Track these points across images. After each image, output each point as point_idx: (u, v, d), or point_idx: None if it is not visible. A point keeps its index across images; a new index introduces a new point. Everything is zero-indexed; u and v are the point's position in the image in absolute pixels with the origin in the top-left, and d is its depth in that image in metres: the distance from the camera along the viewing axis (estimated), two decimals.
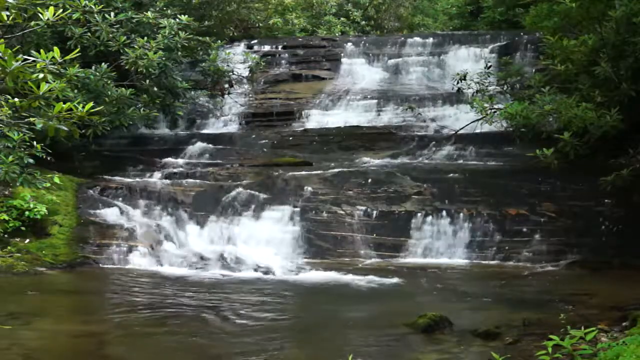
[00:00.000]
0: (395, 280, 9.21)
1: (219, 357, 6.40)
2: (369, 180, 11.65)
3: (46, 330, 7.07)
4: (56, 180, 10.49)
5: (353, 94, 16.50)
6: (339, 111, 16.03)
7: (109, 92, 11.57)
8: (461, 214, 10.70)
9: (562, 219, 10.49)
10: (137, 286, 9.07)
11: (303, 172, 12.26)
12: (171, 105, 13.60)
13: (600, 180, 9.90)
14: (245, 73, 16.22)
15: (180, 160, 13.76)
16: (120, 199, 11.31)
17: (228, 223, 10.98)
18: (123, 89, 11.75)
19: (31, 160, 7.97)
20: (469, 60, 16.34)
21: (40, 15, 5.64)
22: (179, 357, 6.40)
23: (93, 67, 11.52)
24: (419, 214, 10.80)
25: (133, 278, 9.44)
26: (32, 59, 5.01)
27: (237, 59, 16.12)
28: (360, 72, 17.58)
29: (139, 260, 10.12)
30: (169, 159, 13.76)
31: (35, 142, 7.57)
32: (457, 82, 13.28)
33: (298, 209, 11.02)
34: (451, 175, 11.81)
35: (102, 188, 11.53)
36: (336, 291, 8.87)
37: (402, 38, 18.98)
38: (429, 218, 10.73)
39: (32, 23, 6.45)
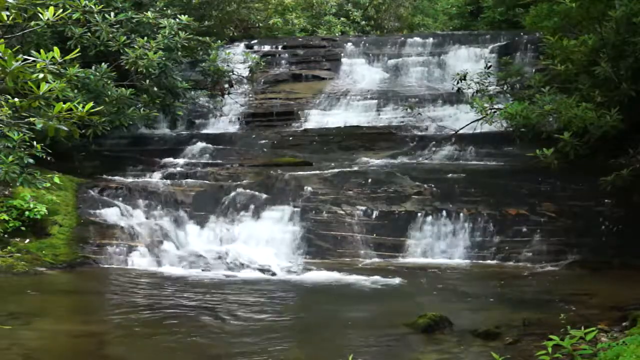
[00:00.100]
0: (395, 280, 9.21)
1: (219, 357, 6.40)
2: (369, 180, 11.65)
3: (46, 330, 7.07)
4: (56, 180, 10.49)
5: (353, 94, 16.51)
6: (339, 111, 16.04)
7: (109, 92, 11.57)
8: (461, 214, 10.71)
9: (562, 219, 10.49)
10: (137, 286, 9.07)
11: (303, 172, 12.26)
12: (171, 105, 13.60)
13: (600, 180, 9.90)
14: (245, 73, 16.23)
15: (180, 160, 13.76)
16: (120, 199, 11.31)
17: (228, 223, 10.98)
18: (123, 89, 11.75)
19: (31, 160, 7.96)
20: (469, 60, 16.34)
21: (40, 15, 5.64)
22: (179, 357, 6.40)
23: (93, 67, 11.52)
24: (419, 214, 10.80)
25: (133, 278, 9.44)
26: (32, 59, 5.01)
27: (237, 59, 16.13)
28: (360, 72, 17.58)
29: (139, 261, 10.13)
30: (169, 159, 13.76)
31: (35, 142, 7.57)
32: (457, 82, 13.28)
33: (298, 209, 11.02)
34: (451, 175, 11.81)
35: (102, 188, 11.52)
36: (336, 291, 8.87)
37: (402, 38, 18.98)
38: (429, 218, 10.73)
39: (32, 23, 6.44)
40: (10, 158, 7.56)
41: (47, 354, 6.36)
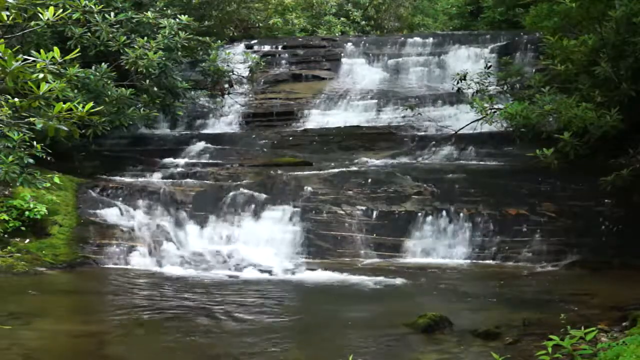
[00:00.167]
0: (395, 280, 9.21)
1: (219, 357, 6.39)
2: (369, 180, 11.65)
3: (46, 330, 7.07)
4: (56, 180, 10.49)
5: (353, 94, 16.51)
6: (339, 111, 16.04)
7: (109, 92, 11.56)
8: (461, 214, 10.71)
9: (562, 219, 10.49)
10: (137, 286, 9.07)
11: (303, 172, 12.27)
12: (171, 105, 13.60)
13: (600, 180, 9.90)
14: (245, 73, 16.23)
15: (180, 160, 13.75)
16: (120, 199, 11.31)
17: (228, 223, 10.98)
18: (123, 89, 11.75)
19: (31, 160, 7.96)
20: (469, 60, 16.35)
21: (40, 15, 5.64)
22: (179, 357, 6.40)
23: (93, 67, 11.52)
24: (419, 214, 10.81)
25: (133, 278, 9.44)
26: (32, 59, 5.01)
27: (237, 59, 16.12)
28: (360, 72, 17.58)
29: (139, 260, 10.12)
30: (169, 159, 13.75)
31: (35, 142, 7.56)
32: (457, 82, 13.28)
33: (298, 209, 11.02)
34: (451, 175, 11.81)
35: (102, 188, 11.52)
36: (336, 291, 8.87)
37: (402, 38, 18.99)
38: (429, 218, 10.73)
39: (32, 23, 6.44)
40: (10, 158, 7.56)
41: (47, 354, 6.36)
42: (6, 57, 4.61)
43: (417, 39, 18.35)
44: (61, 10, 5.56)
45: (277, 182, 11.81)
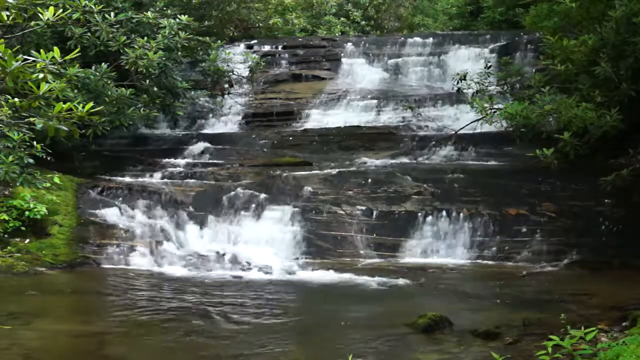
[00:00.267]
0: (395, 280, 9.21)
1: (219, 358, 6.40)
2: (369, 180, 11.65)
3: (46, 330, 7.07)
4: (56, 180, 10.49)
5: (353, 94, 16.51)
6: (339, 111, 16.03)
7: (109, 92, 11.56)
8: (461, 214, 10.71)
9: (562, 219, 10.49)
10: (137, 286, 9.07)
11: (303, 172, 12.27)
12: (171, 105, 13.60)
13: (600, 180, 9.90)
14: (245, 73, 16.22)
15: (180, 160, 13.75)
16: (120, 199, 11.31)
17: (228, 223, 10.98)
18: (123, 89, 11.75)
19: (31, 160, 7.96)
20: (469, 60, 16.34)
21: (40, 15, 5.64)
22: (179, 357, 6.40)
23: (93, 67, 11.52)
24: (419, 214, 10.80)
25: (133, 278, 9.44)
26: (32, 59, 5.01)
27: (237, 59, 16.11)
28: (360, 72, 17.57)
29: (139, 260, 10.12)
30: (169, 159, 13.75)
31: (35, 142, 7.57)
32: (457, 82, 13.27)
33: (298, 209, 11.02)
34: (451, 175, 11.81)
35: (102, 188, 11.52)
36: (336, 291, 8.87)
37: (402, 38, 18.98)
38: (429, 218, 10.73)
39: (32, 23, 6.44)
40: (10, 158, 7.56)
41: (47, 354, 6.36)
42: (6, 57, 4.61)
43: (417, 39, 18.33)
44: (61, 10, 5.56)
45: (277, 182, 11.81)
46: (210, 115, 16.25)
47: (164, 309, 7.90)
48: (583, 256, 9.93)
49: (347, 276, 9.46)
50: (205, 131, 15.72)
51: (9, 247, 9.75)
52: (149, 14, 12.35)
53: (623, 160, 10.41)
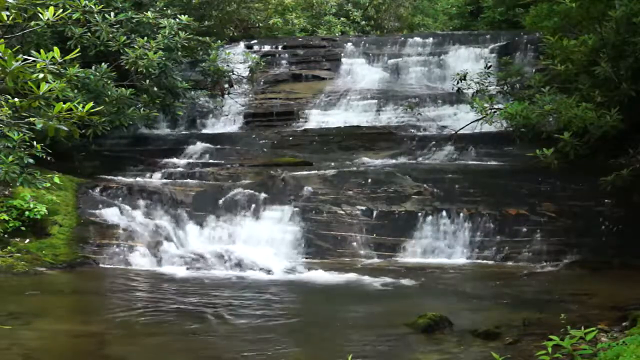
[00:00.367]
0: (395, 280, 9.21)
1: (219, 358, 6.40)
2: (369, 180, 11.65)
3: (46, 330, 7.07)
4: (56, 180, 10.49)
5: (353, 94, 16.51)
6: (339, 111, 16.04)
7: (109, 92, 11.56)
8: (461, 214, 10.71)
9: (562, 219, 10.49)
10: (137, 286, 9.07)
11: (303, 172, 12.26)
12: (171, 105, 13.60)
13: (600, 180, 9.90)
14: (245, 73, 16.22)
15: (180, 160, 13.75)
16: (120, 199, 11.30)
17: (228, 223, 10.98)
18: (123, 89, 11.75)
19: (31, 160, 7.96)
20: (469, 60, 16.34)
21: (40, 15, 5.64)
22: (179, 357, 6.40)
23: (93, 67, 11.52)
24: (419, 214, 10.80)
25: (133, 278, 9.44)
26: (32, 59, 5.00)
27: (237, 59, 16.11)
28: (360, 72, 17.58)
29: (139, 260, 10.12)
30: (169, 159, 13.75)
31: (35, 142, 7.56)
32: (457, 82, 13.28)
33: (298, 209, 11.02)
34: (451, 175, 11.81)
35: (102, 188, 11.52)
36: (336, 291, 8.88)
37: (402, 38, 18.99)
38: (429, 218, 10.73)
39: (32, 23, 6.44)
40: (10, 158, 7.56)
41: (47, 354, 6.36)
42: (6, 57, 4.61)
43: (417, 39, 18.34)
44: (61, 10, 5.56)
45: (277, 182, 11.81)
46: (210, 115, 16.26)
47: (164, 309, 7.90)
48: (583, 256, 9.93)
49: (347, 276, 9.46)
50: (205, 131, 15.73)
51: (9, 247, 9.75)
52: (149, 14, 12.35)
53: (623, 160, 10.41)
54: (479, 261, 10.25)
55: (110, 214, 10.83)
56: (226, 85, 16.10)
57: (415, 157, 13.74)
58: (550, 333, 5.75)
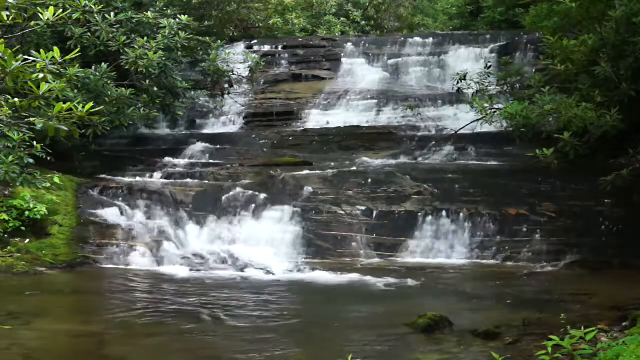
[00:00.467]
0: (395, 280, 9.21)
1: (219, 357, 6.40)
2: (369, 180, 11.65)
3: (46, 330, 7.07)
4: (56, 180, 10.49)
5: (353, 94, 16.51)
6: (339, 111, 16.04)
7: (109, 92, 11.56)
8: (461, 214, 10.71)
9: (562, 219, 10.49)
10: (137, 286, 9.07)
11: (303, 172, 12.27)
12: (171, 105, 13.60)
13: (600, 180, 9.90)
14: (245, 73, 16.22)
15: (180, 160, 13.75)
16: (120, 199, 11.31)
17: (228, 223, 10.98)
18: (123, 89, 11.75)
19: (31, 160, 7.96)
20: (469, 60, 16.33)
21: (40, 15, 5.64)
22: (179, 357, 6.40)
23: (93, 67, 11.51)
24: (419, 214, 10.80)
25: (133, 278, 9.44)
26: (32, 59, 5.00)
27: (237, 59, 16.11)
28: (360, 72, 17.57)
29: (139, 260, 10.12)
30: (169, 159, 13.75)
31: (35, 142, 7.56)
32: (457, 82, 13.27)
33: (298, 209, 11.02)
34: (451, 175, 11.81)
35: (102, 188, 11.52)
36: (336, 291, 8.88)
37: (402, 38, 18.98)
38: (429, 218, 10.73)
39: (32, 23, 6.44)
40: (10, 158, 7.56)
41: (47, 354, 6.36)
42: (6, 57, 4.61)
43: (417, 39, 18.33)
44: (61, 10, 5.56)
45: (277, 182, 11.81)
46: (210, 115, 16.26)
47: (164, 309, 7.90)
48: (583, 256, 9.93)
49: (346, 276, 9.46)
50: (205, 131, 15.73)
51: (9, 247, 9.75)
52: (149, 14, 12.35)
53: (623, 160, 10.41)
54: (479, 261, 10.25)
55: (110, 214, 10.83)
56: (226, 85, 16.10)
57: (415, 157, 13.74)
58: (550, 333, 5.75)
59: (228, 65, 15.13)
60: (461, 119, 14.12)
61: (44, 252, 9.88)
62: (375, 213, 10.95)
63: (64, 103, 5.08)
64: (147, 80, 12.53)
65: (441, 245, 10.52)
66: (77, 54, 5.39)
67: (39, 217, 10.16)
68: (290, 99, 16.65)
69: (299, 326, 7.41)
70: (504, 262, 10.16)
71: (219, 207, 11.23)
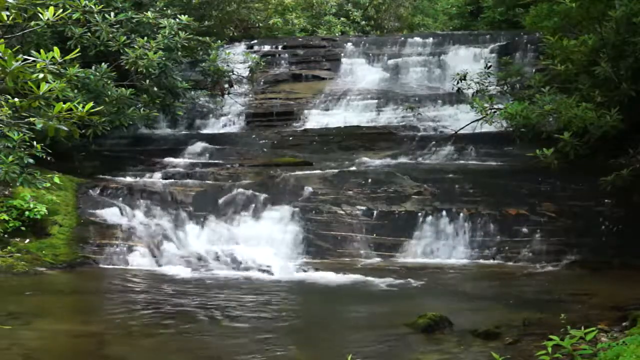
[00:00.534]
0: (395, 280, 9.21)
1: (219, 357, 6.40)
2: (369, 180, 11.65)
3: (46, 330, 7.07)
4: (56, 180, 10.49)
5: (353, 94, 16.51)
6: (339, 111, 16.04)
7: (109, 92, 11.56)
8: (461, 214, 10.71)
9: (562, 219, 10.49)
10: (137, 286, 9.07)
11: (303, 172, 12.27)
12: (171, 105, 13.60)
13: (600, 180, 9.90)
14: (245, 73, 16.22)
15: (180, 160, 13.75)
16: (120, 199, 11.31)
17: (228, 223, 10.98)
18: (123, 89, 11.75)
19: (31, 160, 7.96)
20: (469, 60, 16.32)
21: (40, 15, 5.64)
22: (179, 357, 6.40)
23: (93, 67, 11.51)
24: (419, 214, 10.80)
25: (133, 278, 9.43)
26: (32, 59, 5.01)
27: (237, 59, 16.11)
28: (360, 72, 17.57)
29: (139, 260, 10.12)
30: (169, 159, 13.75)
31: (35, 142, 7.57)
32: (457, 82, 13.27)
33: (298, 209, 11.02)
34: (451, 175, 11.81)
35: (102, 188, 11.52)
36: (336, 291, 8.87)
37: (402, 38, 18.98)
38: (429, 218, 10.73)
39: (32, 23, 6.44)
40: (10, 158, 7.56)
41: (47, 354, 6.36)
42: (6, 57, 4.61)
43: (417, 39, 18.33)
44: (61, 10, 5.56)
45: (277, 182, 11.81)
46: (210, 115, 16.26)
47: (164, 309, 7.90)
48: (583, 256, 9.93)
49: (347, 276, 9.46)
50: (205, 131, 15.73)
51: (9, 247, 9.75)
52: (149, 14, 12.35)
53: (623, 160, 10.41)
54: (479, 261, 10.25)
55: (110, 214, 10.83)
56: (226, 85, 16.10)
57: (415, 157, 13.73)
58: (550, 333, 5.75)
59: (228, 65, 15.13)
60: (461, 119, 14.12)
61: (44, 252, 9.88)
62: (375, 213, 10.95)
63: (64, 103, 5.08)
64: (147, 80, 12.53)
65: (441, 245, 10.52)
66: (77, 54, 5.39)
67: (39, 217, 10.16)
68: (290, 99, 16.66)
69: (298, 326, 7.42)
70: (504, 262, 10.16)
71: (219, 207, 11.23)
